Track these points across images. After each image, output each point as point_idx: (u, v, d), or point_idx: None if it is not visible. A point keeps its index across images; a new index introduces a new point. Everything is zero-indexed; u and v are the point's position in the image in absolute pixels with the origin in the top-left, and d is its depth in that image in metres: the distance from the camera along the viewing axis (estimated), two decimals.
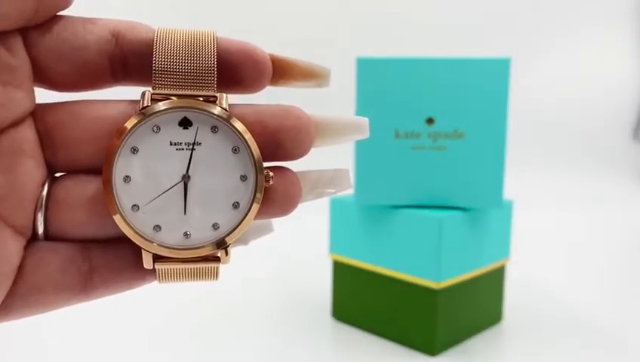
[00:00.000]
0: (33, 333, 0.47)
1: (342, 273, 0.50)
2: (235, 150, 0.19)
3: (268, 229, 0.22)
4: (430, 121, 0.44)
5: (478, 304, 0.47)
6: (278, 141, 0.19)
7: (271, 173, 0.19)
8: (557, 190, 1.19)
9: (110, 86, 0.19)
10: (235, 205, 0.19)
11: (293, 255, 0.73)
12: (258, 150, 0.19)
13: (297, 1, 1.22)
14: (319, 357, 0.44)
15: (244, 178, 0.19)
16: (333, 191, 0.22)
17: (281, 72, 0.20)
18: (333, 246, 0.50)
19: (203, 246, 0.19)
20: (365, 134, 0.21)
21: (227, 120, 0.19)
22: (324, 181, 0.21)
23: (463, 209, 0.45)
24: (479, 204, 0.45)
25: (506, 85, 0.44)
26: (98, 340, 0.46)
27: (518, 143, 0.87)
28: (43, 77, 0.18)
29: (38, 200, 0.18)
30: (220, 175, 0.19)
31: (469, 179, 0.45)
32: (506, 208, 0.49)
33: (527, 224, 0.77)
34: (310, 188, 0.21)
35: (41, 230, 0.18)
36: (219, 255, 0.20)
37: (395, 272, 0.45)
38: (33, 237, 0.18)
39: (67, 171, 0.19)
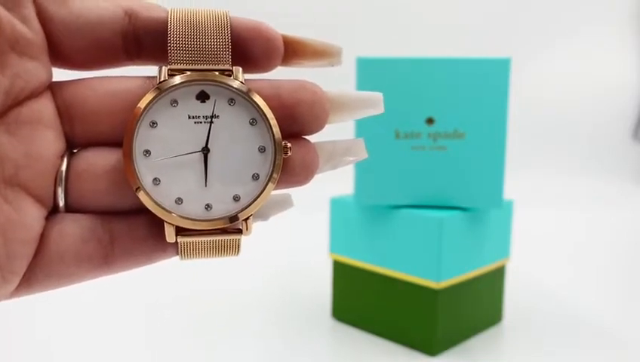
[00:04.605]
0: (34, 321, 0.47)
1: (342, 273, 0.50)
2: (253, 122, 0.19)
3: (288, 204, 0.22)
4: (430, 121, 0.44)
5: (478, 304, 0.47)
6: (294, 115, 0.20)
7: (289, 144, 0.19)
8: (557, 190, 1.19)
9: (124, 65, 0.20)
10: (255, 176, 0.20)
11: (293, 255, 0.73)
12: (275, 121, 0.19)
13: (297, 0, 1.22)
14: (319, 357, 0.44)
15: (262, 149, 0.20)
16: (349, 159, 0.22)
17: (293, 51, 0.20)
18: (333, 246, 0.50)
19: (224, 218, 0.19)
20: (380, 109, 0.22)
21: (244, 92, 0.19)
22: (339, 151, 0.21)
23: (463, 209, 0.45)
24: (479, 203, 0.45)
25: (506, 85, 0.44)
26: (95, 339, 0.46)
27: (518, 143, 0.87)
28: (57, 52, 0.18)
29: (57, 173, 0.18)
30: (239, 147, 0.19)
31: (469, 179, 0.45)
32: (506, 208, 0.49)
33: (527, 224, 0.77)
34: (326, 158, 0.21)
35: (61, 203, 0.19)
36: (240, 227, 0.20)
37: (395, 272, 0.45)
38: (54, 210, 0.19)
39: (86, 145, 0.19)
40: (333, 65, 0.21)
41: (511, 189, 0.54)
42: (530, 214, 0.85)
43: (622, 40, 1.47)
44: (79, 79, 0.19)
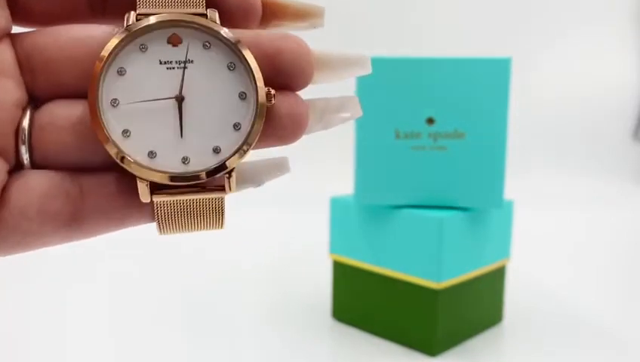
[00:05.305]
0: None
1: (342, 273, 0.50)
2: (231, 66, 0.18)
3: (283, 168, 0.20)
4: (430, 121, 0.44)
5: (478, 304, 0.47)
6: (277, 65, 0.18)
7: (272, 91, 0.18)
8: (557, 190, 1.19)
9: (87, 22, 0.18)
10: (236, 126, 0.18)
11: (293, 255, 0.73)
12: (256, 64, 0.18)
13: None
14: (319, 357, 0.44)
15: (243, 96, 0.18)
16: (343, 116, 0.20)
17: (272, 12, 0.19)
18: (333, 246, 0.50)
19: (203, 171, 0.18)
20: (367, 70, 0.21)
21: (220, 34, 0.17)
22: (332, 107, 0.20)
23: (463, 209, 0.45)
24: (479, 204, 0.45)
25: (507, 85, 0.44)
26: (92, 337, 0.46)
27: (519, 143, 0.87)
28: (13, 3, 0.17)
29: (19, 128, 0.17)
30: (217, 94, 0.18)
31: (469, 179, 0.45)
32: (506, 208, 0.49)
33: (527, 224, 0.77)
34: (318, 116, 0.20)
35: (26, 160, 0.17)
36: (223, 183, 0.18)
37: (395, 272, 0.45)
38: (19, 167, 0.17)
39: (50, 98, 0.18)
40: (315, 27, 0.20)
41: (511, 189, 0.54)
42: (530, 214, 0.84)
43: (622, 40, 1.47)
44: (41, 28, 0.18)
